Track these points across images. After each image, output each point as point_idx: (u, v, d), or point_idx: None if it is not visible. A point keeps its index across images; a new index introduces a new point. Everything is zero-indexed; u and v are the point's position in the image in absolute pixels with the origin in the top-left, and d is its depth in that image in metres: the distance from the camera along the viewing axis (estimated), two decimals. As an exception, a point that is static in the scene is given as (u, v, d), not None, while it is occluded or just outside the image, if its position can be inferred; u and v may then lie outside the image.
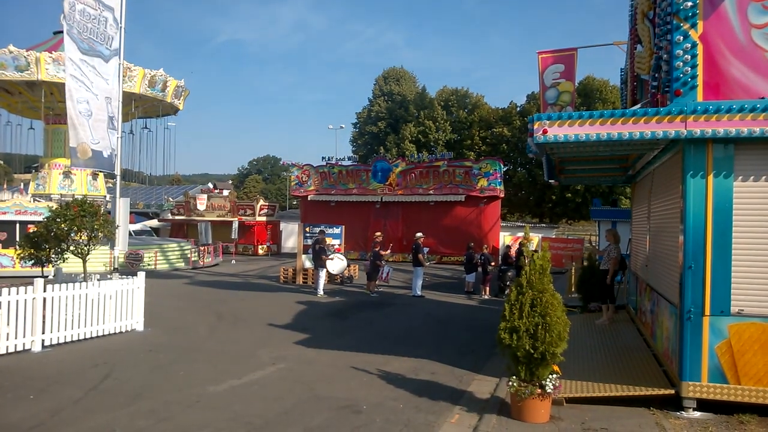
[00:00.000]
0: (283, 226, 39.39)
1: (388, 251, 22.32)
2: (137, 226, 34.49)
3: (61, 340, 10.58)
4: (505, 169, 35.09)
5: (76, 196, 15.88)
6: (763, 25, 6.80)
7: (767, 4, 6.79)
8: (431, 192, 31.63)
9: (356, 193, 33.63)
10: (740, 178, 6.77)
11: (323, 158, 35.18)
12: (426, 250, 20.39)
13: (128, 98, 27.33)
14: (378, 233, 21.77)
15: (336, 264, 20.25)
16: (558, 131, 7.01)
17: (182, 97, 33.09)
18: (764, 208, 6.73)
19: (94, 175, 30.73)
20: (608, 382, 7.67)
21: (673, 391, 7.05)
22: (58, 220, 11.54)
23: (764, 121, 6.44)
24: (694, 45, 6.86)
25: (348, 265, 21.63)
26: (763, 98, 6.59)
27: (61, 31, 14.48)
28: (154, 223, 41.76)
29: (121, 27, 13.97)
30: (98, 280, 11.80)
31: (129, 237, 30.83)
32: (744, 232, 6.74)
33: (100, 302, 11.37)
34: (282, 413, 7.08)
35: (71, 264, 13.28)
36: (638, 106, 8.34)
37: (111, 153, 13.54)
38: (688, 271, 6.84)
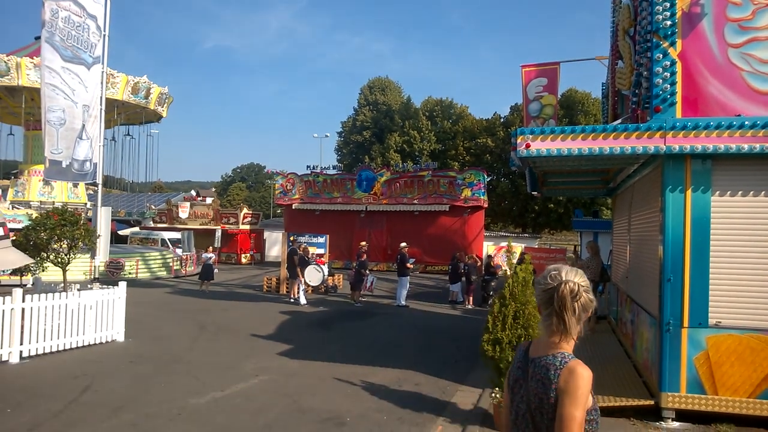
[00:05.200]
0: (267, 234, 39.21)
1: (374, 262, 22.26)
2: (169, 234, 33.54)
3: (40, 351, 10.42)
4: (488, 179, 35.17)
5: (56, 204, 15.75)
6: (739, 44, 6.96)
7: (744, 24, 6.96)
8: (416, 202, 31.69)
9: (341, 202, 33.53)
10: (717, 192, 6.90)
11: (308, 167, 35.07)
12: (412, 260, 20.38)
13: (111, 105, 27.21)
14: (363, 243, 21.73)
15: (313, 275, 19.90)
16: (541, 145, 7.11)
17: (166, 104, 32.96)
18: (741, 221, 6.87)
19: (75, 183, 30.49)
20: (589, 394, 7.72)
21: (652, 402, 7.14)
22: (38, 228, 11.42)
23: (740, 138, 6.58)
24: (673, 63, 7.01)
25: (331, 275, 21.55)
26: (739, 115, 6.74)
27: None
28: (136, 230, 41.38)
29: (104, 35, 13.91)
30: (78, 289, 11.67)
31: (164, 246, 30.48)
32: (721, 246, 6.86)
33: (80, 312, 11.23)
34: (265, 426, 7.08)
35: (51, 273, 13.13)
36: (619, 121, 8.48)
37: (71, 162, 13.32)
38: (667, 284, 6.95)
